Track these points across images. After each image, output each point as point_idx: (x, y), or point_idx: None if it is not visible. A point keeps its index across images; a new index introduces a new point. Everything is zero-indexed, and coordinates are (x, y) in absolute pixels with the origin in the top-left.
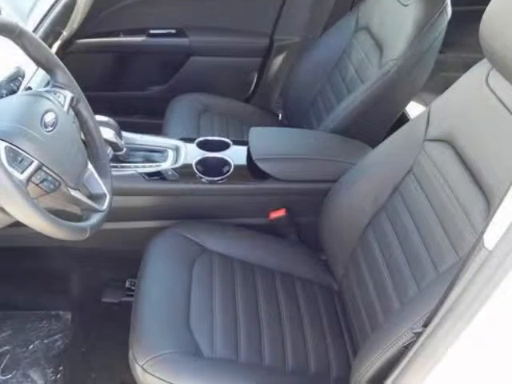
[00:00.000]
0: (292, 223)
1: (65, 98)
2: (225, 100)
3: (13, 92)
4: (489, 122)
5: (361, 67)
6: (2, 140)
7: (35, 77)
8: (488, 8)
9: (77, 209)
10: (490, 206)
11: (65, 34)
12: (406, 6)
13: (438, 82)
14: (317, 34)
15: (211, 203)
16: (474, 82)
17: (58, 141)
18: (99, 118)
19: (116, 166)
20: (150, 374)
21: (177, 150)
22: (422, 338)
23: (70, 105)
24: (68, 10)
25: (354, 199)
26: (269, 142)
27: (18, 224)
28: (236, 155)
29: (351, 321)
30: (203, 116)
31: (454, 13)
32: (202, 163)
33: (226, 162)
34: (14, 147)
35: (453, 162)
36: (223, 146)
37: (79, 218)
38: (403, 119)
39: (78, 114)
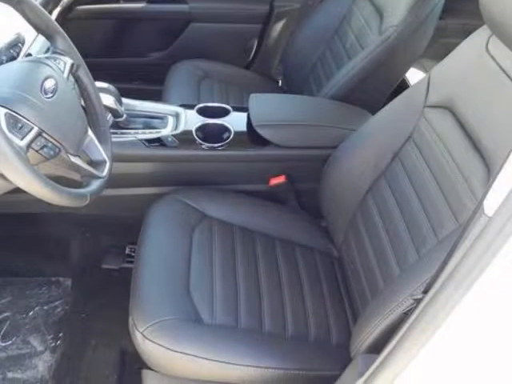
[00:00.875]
0: (292, 190)
1: (65, 64)
2: (225, 66)
3: (13, 58)
4: (489, 88)
5: (361, 34)
6: (2, 106)
7: (35, 43)
8: None
9: (77, 175)
10: (489, 172)
11: (65, 0)
12: None
13: (438, 49)
14: (317, 1)
15: (211, 169)
16: (473, 48)
17: (57, 107)
18: (99, 84)
19: (116, 133)
20: (150, 341)
21: (177, 116)
22: (422, 305)
23: (70, 71)
24: None
25: (354, 166)
26: (269, 108)
27: (18, 190)
28: (236, 121)
29: (351, 287)
30: (203, 82)
31: None
32: (202, 129)
33: (226, 129)
34: (13, 113)
35: (453, 128)
36: (223, 113)
37: (79, 185)
38: (403, 85)
39: (77, 80)
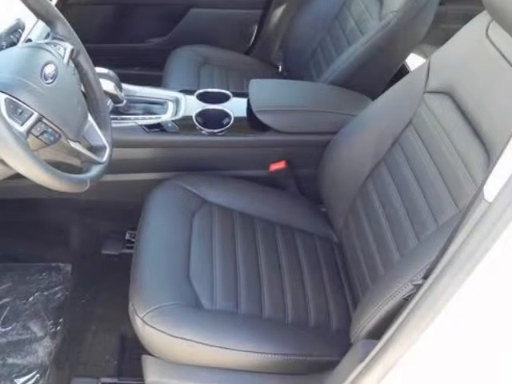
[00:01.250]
0: (292, 175)
1: (65, 49)
2: (225, 52)
3: (13, 44)
4: (489, 73)
5: (361, 19)
6: (2, 92)
7: (35, 29)
8: None
9: (77, 161)
10: (489, 158)
11: None
12: None
13: (438, 34)
14: None
15: (211, 155)
16: (473, 33)
17: (57, 93)
18: (99, 69)
19: (116, 118)
20: (150, 326)
21: (177, 101)
22: (422, 290)
23: (70, 57)
24: None
25: (354, 151)
26: (269, 94)
27: (18, 176)
28: (236, 107)
29: (351, 273)
30: (203, 68)
31: None
32: (202, 115)
33: (226, 114)
34: (13, 99)
35: (453, 113)
36: (223, 98)
37: (79, 170)
38: (403, 71)
39: (78, 65)
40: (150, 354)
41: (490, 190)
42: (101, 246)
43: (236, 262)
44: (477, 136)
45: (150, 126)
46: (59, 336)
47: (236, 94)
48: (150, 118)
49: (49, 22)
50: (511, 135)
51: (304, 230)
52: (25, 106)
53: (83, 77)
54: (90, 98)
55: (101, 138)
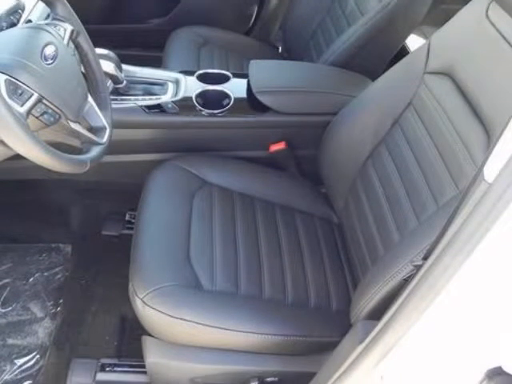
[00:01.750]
0: (292, 156)
1: (65, 30)
2: (225, 33)
3: (13, 25)
4: (489, 54)
5: (361, 0)
6: (2, 73)
7: (35, 10)
8: None
9: (77, 142)
10: (489, 138)
11: None
12: None
13: (438, 15)
14: None
15: (211, 136)
16: (473, 14)
17: (58, 73)
18: (99, 50)
19: (116, 99)
20: (150, 307)
21: (177, 82)
22: (422, 271)
23: (70, 38)
24: None
25: (354, 132)
26: (269, 74)
27: (18, 157)
28: (236, 88)
29: (351, 254)
30: (203, 49)
31: None
32: (202, 96)
33: (225, 95)
34: (14, 80)
35: (453, 94)
36: (223, 79)
37: (79, 151)
38: (403, 52)
39: (78, 46)
40: (149, 335)
41: (490, 170)
42: (101, 226)
43: (236, 243)
44: (477, 117)
45: (149, 107)
46: (59, 317)
47: (236, 75)
48: (150, 99)
49: (49, 3)
50: (511, 116)
51: (304, 210)
52: (25, 86)
53: (83, 58)
54: (90, 78)
55: (101, 119)
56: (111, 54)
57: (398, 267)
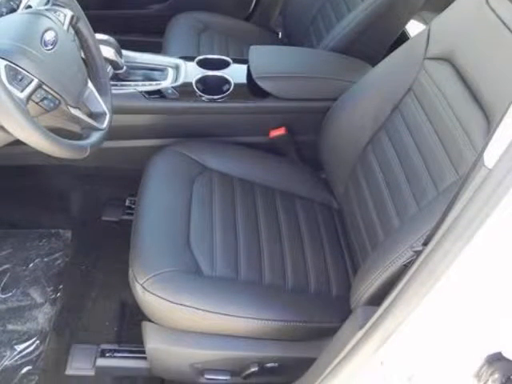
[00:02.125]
0: (292, 142)
1: (65, 16)
2: (225, 18)
3: (13, 10)
4: (489, 40)
5: None
6: (2, 58)
7: None
8: None
9: (77, 127)
10: (489, 124)
11: None
12: None
13: (438, 1)
14: None
15: (211, 122)
16: (473, 0)
17: (58, 59)
18: (99, 36)
19: (116, 85)
20: (150, 293)
21: (177, 68)
22: (422, 257)
23: (70, 23)
24: None
25: (354, 118)
26: (269, 60)
27: (18, 142)
28: (236, 73)
29: (351, 239)
30: (203, 34)
31: None
32: (202, 81)
33: (225, 81)
34: (14, 65)
35: (453, 80)
36: (223, 65)
37: (79, 137)
38: (403, 38)
39: (78, 32)
40: (150, 321)
41: (490, 156)
42: (101, 212)
43: (236, 229)
44: (477, 102)
45: (149, 93)
46: (59, 302)
47: (236, 61)
48: (150, 85)
49: None
50: (511, 102)
51: (304, 196)
52: (25, 72)
53: (83, 43)
54: (90, 64)
55: (101, 105)
56: (111, 39)
57: (398, 253)
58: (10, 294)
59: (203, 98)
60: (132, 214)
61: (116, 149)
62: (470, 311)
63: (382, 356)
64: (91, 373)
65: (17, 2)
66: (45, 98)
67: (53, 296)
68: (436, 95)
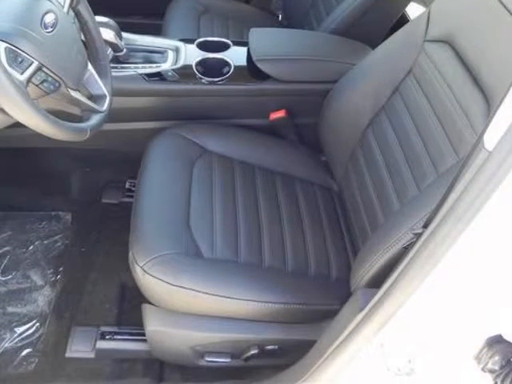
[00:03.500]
0: (292, 124)
1: None
2: (225, 1)
3: None
4: (489, 22)
5: None
6: (2, 41)
7: None
8: None
9: (77, 110)
10: (489, 106)
11: None
12: None
13: None
14: None
15: (211, 104)
16: None
17: (58, 41)
18: (99, 18)
19: (116, 67)
20: (150, 275)
21: (177, 50)
22: (421, 239)
23: (70, 5)
24: None
25: (354, 100)
26: (269, 42)
27: (17, 125)
28: (236, 56)
29: (351, 222)
30: (203, 17)
31: None
32: (202, 64)
33: (226, 63)
34: (13, 48)
35: (453, 62)
36: (223, 47)
37: (79, 119)
38: (403, 20)
39: (78, 14)
40: (150, 303)
41: (490, 138)
42: (101, 194)
43: (236, 211)
44: (477, 85)
45: (149, 75)
46: (59, 285)
47: (236, 43)
48: (150, 67)
49: None
50: (511, 84)
51: (304, 178)
52: (25, 54)
53: (83, 26)
54: (90, 46)
55: (101, 87)
56: (111, 21)
57: (398, 235)
58: (10, 276)
59: (203, 81)
60: (132, 196)
61: (116, 131)
62: (470, 293)
63: (382, 338)
64: (91, 355)
65: None
66: (45, 81)
67: (53, 278)
68: (436, 77)
